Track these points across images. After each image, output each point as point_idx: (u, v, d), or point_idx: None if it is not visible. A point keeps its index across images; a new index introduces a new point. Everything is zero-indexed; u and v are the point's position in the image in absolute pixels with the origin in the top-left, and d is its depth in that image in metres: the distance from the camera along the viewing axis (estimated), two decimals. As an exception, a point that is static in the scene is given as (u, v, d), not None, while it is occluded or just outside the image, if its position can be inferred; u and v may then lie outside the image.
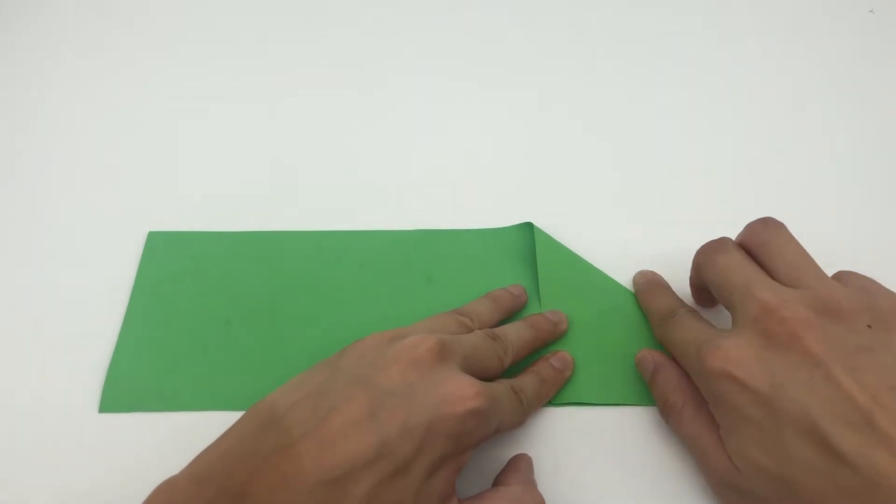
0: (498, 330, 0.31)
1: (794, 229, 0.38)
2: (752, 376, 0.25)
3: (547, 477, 0.30)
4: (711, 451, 0.27)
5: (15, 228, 0.38)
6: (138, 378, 0.33)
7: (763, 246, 0.29)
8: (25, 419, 0.31)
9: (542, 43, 0.48)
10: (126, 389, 0.32)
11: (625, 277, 0.36)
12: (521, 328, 0.32)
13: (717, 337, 0.27)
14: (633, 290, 0.36)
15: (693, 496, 0.30)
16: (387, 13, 0.50)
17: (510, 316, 0.34)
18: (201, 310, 0.35)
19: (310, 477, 0.23)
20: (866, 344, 0.25)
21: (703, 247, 0.32)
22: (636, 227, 0.38)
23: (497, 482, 0.28)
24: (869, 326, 0.25)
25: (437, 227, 0.38)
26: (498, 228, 0.38)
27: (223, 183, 0.40)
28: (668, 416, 0.30)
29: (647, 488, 0.30)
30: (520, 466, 0.29)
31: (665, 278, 0.36)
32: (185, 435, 0.31)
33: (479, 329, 0.31)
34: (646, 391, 0.32)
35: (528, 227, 0.38)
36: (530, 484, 0.28)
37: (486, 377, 0.28)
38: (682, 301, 0.33)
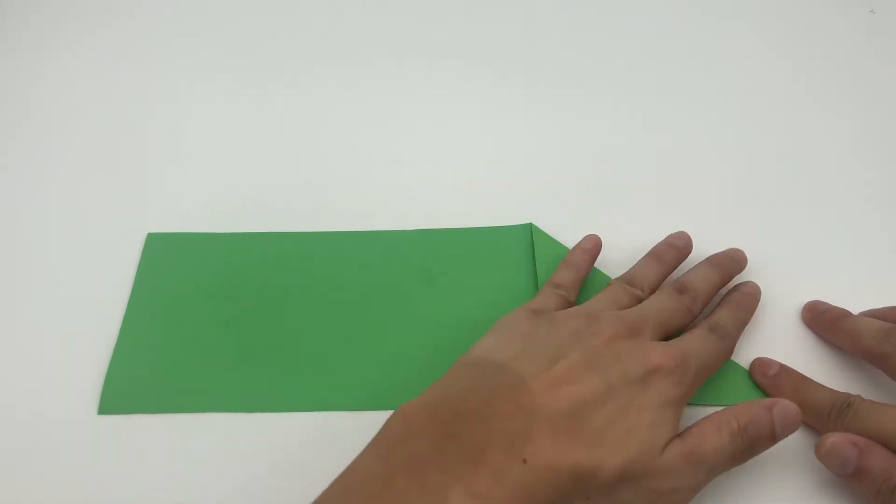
0: (685, 279, 0.33)
1: (793, 229, 0.38)
2: None
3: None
4: None
5: (14, 229, 0.38)
6: (138, 379, 0.33)
7: None
8: (25, 420, 0.31)
9: (542, 43, 0.48)
10: (125, 391, 0.32)
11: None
12: (706, 271, 0.34)
13: None
14: (755, 380, 0.33)
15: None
16: (388, 14, 0.50)
17: (673, 270, 0.35)
18: (200, 311, 0.35)
19: (546, 408, 0.25)
20: None
21: (886, 333, 0.31)
22: (635, 228, 0.38)
23: None
24: None
25: (438, 226, 0.38)
26: (498, 227, 0.38)
27: (223, 184, 0.40)
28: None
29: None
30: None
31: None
32: (185, 436, 0.31)
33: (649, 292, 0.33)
34: None
35: (529, 227, 0.38)
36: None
37: (682, 330, 0.31)
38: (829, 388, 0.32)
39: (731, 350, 0.32)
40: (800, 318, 0.35)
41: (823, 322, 0.34)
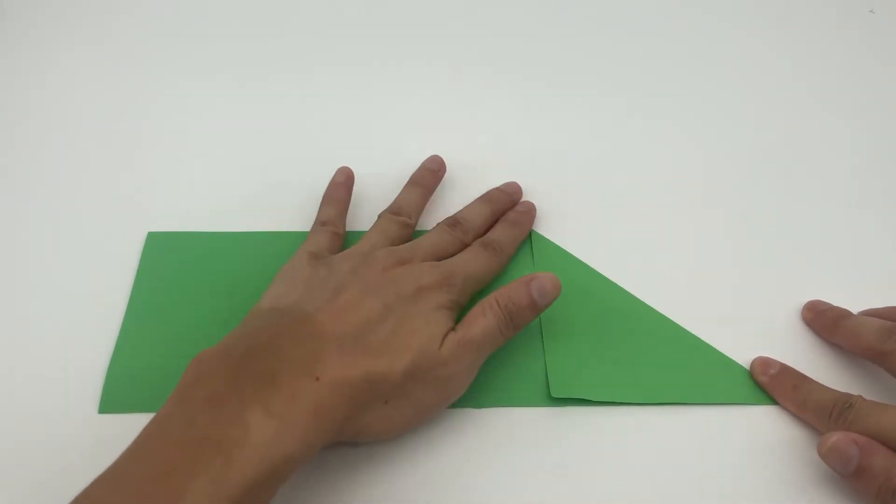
0: (458, 214, 0.36)
1: (792, 230, 0.38)
2: None
3: (547, 476, 0.30)
4: None
5: (14, 229, 0.38)
6: (138, 378, 0.32)
7: None
8: (25, 420, 0.31)
9: (543, 44, 0.48)
10: (126, 390, 0.32)
11: (620, 279, 0.36)
12: (478, 206, 0.37)
13: None
14: (755, 379, 0.33)
15: (691, 495, 0.30)
16: (388, 15, 0.50)
17: (432, 192, 0.38)
18: (201, 310, 0.35)
19: (332, 333, 0.27)
20: None
21: (875, 332, 0.31)
22: (635, 228, 0.38)
23: None
24: None
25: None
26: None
27: (223, 183, 0.40)
28: None
29: (646, 487, 0.30)
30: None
31: (663, 280, 0.36)
32: (185, 435, 0.31)
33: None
34: (644, 390, 0.32)
35: (527, 229, 0.38)
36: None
37: None
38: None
39: (503, 263, 0.35)
40: (800, 318, 0.35)
41: (824, 321, 0.34)
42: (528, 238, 0.38)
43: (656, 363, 0.33)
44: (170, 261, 0.37)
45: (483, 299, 0.31)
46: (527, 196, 0.39)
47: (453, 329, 0.30)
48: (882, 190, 0.40)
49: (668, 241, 0.38)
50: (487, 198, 0.38)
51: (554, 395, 0.32)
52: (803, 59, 0.47)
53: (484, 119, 0.44)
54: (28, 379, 0.33)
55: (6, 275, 0.36)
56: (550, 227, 0.38)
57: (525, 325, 0.31)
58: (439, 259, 0.33)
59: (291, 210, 0.39)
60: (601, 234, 0.38)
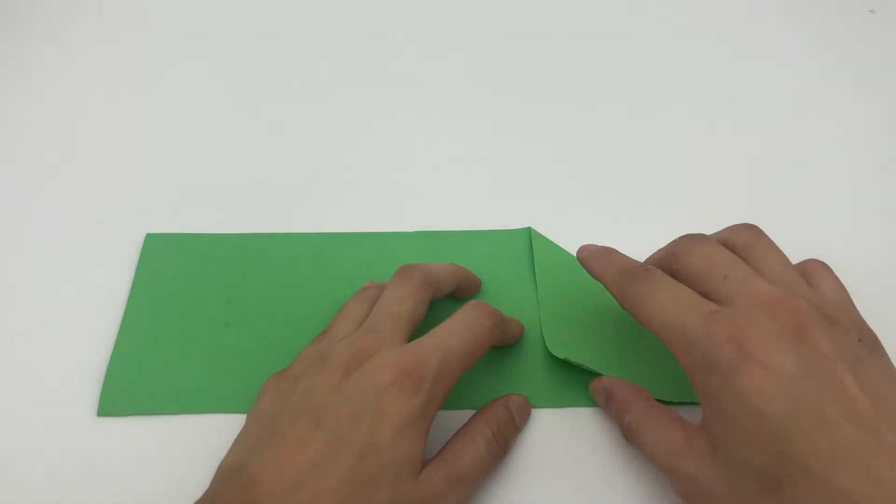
0: (408, 264, 0.31)
1: (791, 232, 0.38)
2: (768, 359, 0.23)
3: (546, 477, 0.30)
4: (680, 450, 0.26)
5: (13, 229, 0.38)
6: (137, 381, 0.32)
7: (747, 247, 0.28)
8: (23, 423, 0.31)
9: (541, 47, 0.48)
10: (124, 392, 0.32)
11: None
12: (437, 262, 0.33)
13: (728, 312, 0.25)
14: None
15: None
16: (386, 15, 0.50)
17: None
18: (200, 312, 0.35)
19: (274, 494, 0.24)
20: (860, 355, 0.24)
21: (682, 238, 0.30)
22: (636, 231, 0.38)
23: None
24: (860, 340, 0.25)
25: (437, 229, 0.38)
26: (497, 231, 0.38)
27: (222, 185, 0.40)
28: (628, 437, 0.29)
29: (646, 488, 0.30)
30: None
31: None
32: (185, 438, 0.31)
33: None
34: (642, 378, 0.32)
35: (527, 231, 0.38)
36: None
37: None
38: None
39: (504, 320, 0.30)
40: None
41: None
42: (528, 237, 0.38)
43: (657, 359, 0.33)
44: (168, 262, 0.37)
45: (469, 426, 0.28)
46: (527, 195, 0.40)
47: (436, 456, 0.27)
48: (882, 190, 0.40)
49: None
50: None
51: (553, 352, 0.32)
52: (803, 60, 0.47)
53: (485, 122, 0.44)
54: (26, 381, 0.32)
55: (6, 275, 0.36)
56: (550, 228, 0.38)
57: (510, 447, 0.29)
58: (417, 319, 0.29)
59: (291, 212, 0.39)
60: (603, 236, 0.38)
